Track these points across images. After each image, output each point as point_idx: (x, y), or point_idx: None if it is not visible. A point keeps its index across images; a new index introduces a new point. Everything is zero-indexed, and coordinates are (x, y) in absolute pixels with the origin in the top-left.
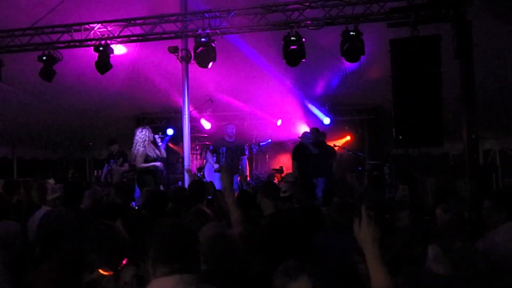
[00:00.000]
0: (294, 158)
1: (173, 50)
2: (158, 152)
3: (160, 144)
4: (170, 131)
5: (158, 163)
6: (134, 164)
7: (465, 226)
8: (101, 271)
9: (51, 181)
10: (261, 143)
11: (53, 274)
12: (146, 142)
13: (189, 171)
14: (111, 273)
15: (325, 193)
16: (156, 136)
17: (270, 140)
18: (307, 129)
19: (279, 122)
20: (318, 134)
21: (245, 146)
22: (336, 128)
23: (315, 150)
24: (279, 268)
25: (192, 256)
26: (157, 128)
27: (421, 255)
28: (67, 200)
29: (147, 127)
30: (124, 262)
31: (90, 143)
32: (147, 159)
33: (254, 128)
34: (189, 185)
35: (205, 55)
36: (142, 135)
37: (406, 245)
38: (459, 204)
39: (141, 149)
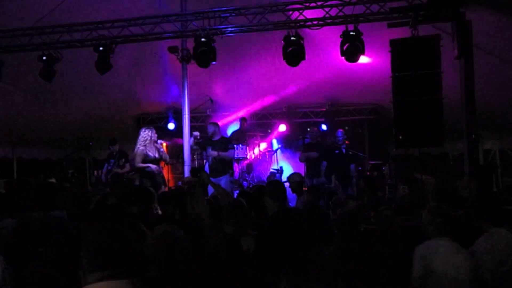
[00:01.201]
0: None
1: (173, 50)
2: (161, 153)
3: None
4: (171, 126)
5: (153, 166)
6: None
7: (450, 226)
8: None
9: (52, 180)
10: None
11: (43, 272)
12: (147, 142)
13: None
14: None
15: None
16: (159, 141)
17: (280, 146)
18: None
19: (282, 128)
20: (317, 134)
21: (233, 141)
22: (336, 128)
23: (314, 155)
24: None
25: (126, 262)
26: (157, 128)
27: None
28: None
29: (151, 127)
30: None
31: (90, 143)
32: (145, 158)
33: (255, 128)
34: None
35: (205, 55)
36: (144, 134)
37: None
38: (451, 205)
39: (141, 148)
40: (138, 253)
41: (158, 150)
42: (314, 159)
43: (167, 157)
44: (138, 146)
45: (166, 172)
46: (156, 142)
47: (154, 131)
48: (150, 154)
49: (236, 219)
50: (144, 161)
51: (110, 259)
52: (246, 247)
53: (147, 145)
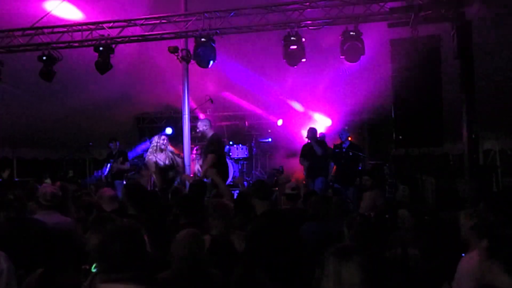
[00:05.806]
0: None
1: (173, 50)
2: (176, 159)
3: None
4: (168, 130)
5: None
6: (135, 164)
7: (493, 231)
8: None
9: (48, 181)
10: (260, 140)
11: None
12: (154, 149)
13: (187, 176)
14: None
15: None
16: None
17: (270, 139)
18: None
19: (279, 122)
20: (315, 133)
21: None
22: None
23: (320, 151)
24: (331, 250)
25: (139, 264)
26: (157, 128)
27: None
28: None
29: (160, 134)
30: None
31: (90, 143)
32: (157, 167)
33: (255, 128)
34: (190, 186)
35: (205, 55)
36: (154, 143)
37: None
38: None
39: (150, 157)
40: (145, 257)
41: (170, 157)
42: (315, 159)
43: (179, 162)
44: (149, 155)
45: None
46: (164, 150)
47: (163, 137)
48: (160, 162)
49: (222, 218)
50: (156, 170)
51: (123, 261)
52: (237, 245)
53: (153, 153)
